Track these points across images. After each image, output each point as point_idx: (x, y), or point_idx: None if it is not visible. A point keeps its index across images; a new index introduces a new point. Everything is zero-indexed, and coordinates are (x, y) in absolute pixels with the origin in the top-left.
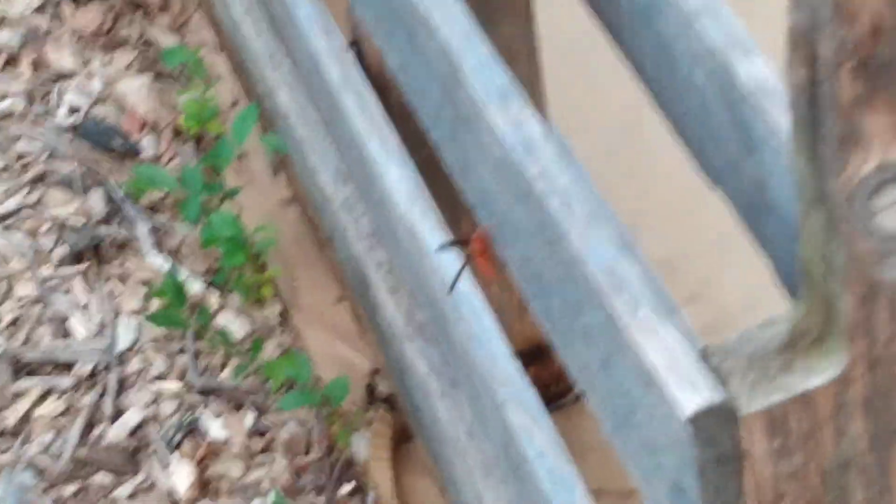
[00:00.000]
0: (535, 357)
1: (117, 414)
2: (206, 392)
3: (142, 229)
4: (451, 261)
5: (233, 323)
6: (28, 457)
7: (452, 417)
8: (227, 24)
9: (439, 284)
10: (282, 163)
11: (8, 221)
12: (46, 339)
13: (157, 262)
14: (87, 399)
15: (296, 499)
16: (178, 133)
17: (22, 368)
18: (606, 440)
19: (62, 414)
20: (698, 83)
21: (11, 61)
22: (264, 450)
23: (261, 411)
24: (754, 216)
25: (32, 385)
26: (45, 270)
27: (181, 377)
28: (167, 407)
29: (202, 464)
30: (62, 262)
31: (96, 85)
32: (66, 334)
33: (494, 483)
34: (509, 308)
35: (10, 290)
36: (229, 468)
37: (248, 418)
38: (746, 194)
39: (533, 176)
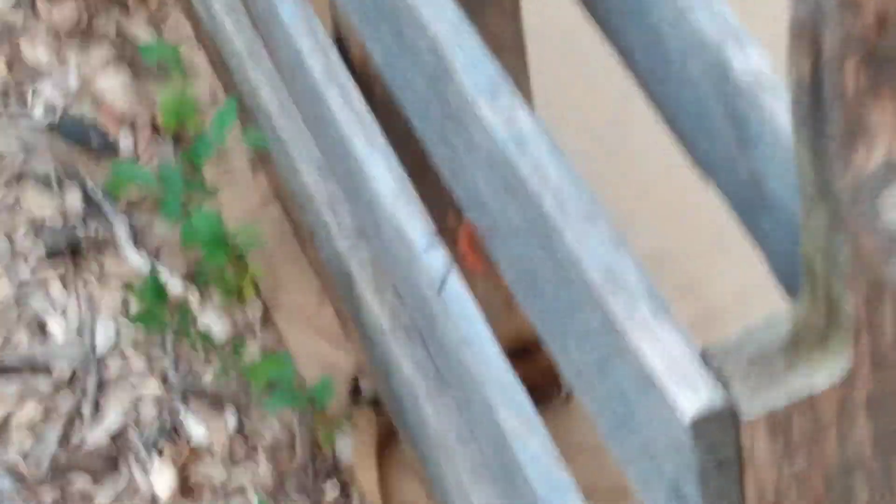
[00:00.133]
0: (522, 355)
1: (97, 417)
2: (187, 394)
3: (120, 228)
4: (439, 259)
5: (214, 323)
6: (6, 462)
7: (440, 419)
8: (206, 20)
9: (427, 283)
10: (262, 160)
11: None
12: (24, 341)
13: (137, 262)
14: (67, 402)
15: (280, 502)
16: (156, 130)
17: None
18: (596, 440)
19: (41, 418)
20: (692, 76)
21: None
22: (247, 452)
23: (243, 413)
24: (749, 212)
25: (10, 388)
26: (23, 271)
27: (162, 379)
28: (148, 410)
29: (184, 467)
30: (40, 263)
31: (73, 82)
32: (44, 336)
33: (483, 486)
34: (496, 305)
35: None
36: (212, 471)
37: (231, 420)
38: (741, 189)
39: (525, 172)
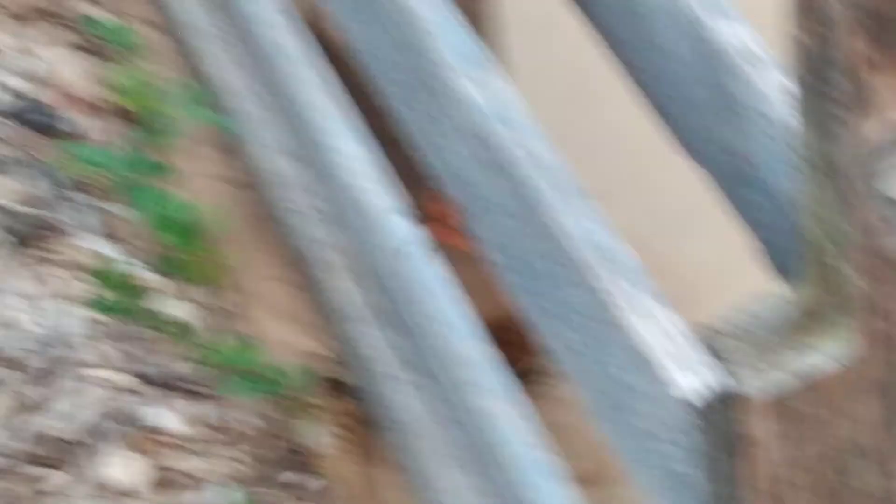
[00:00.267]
0: (497, 335)
1: (62, 406)
2: (155, 382)
3: (84, 213)
4: (408, 232)
5: (182, 309)
6: None
7: (413, 402)
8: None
9: (401, 264)
10: (229, 142)
11: None
12: None
13: (101, 248)
14: (30, 390)
15: (256, 493)
16: (118, 112)
17: None
18: (573, 420)
19: (5, 408)
20: (674, 48)
21: None
22: (219, 441)
23: (214, 401)
24: (735, 187)
25: None
26: None
27: (128, 367)
28: (115, 398)
29: (153, 457)
30: (1, 249)
31: (31, 64)
32: (6, 324)
33: (467, 471)
34: (471, 284)
35: None
36: (182, 461)
37: (202, 409)
38: (726, 165)
39: (510, 147)
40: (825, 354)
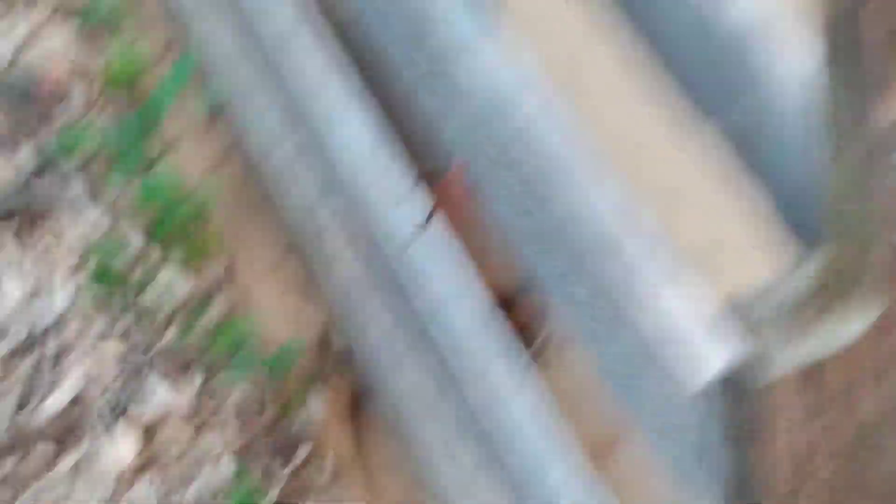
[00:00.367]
0: (502, 305)
1: (57, 381)
2: (150, 355)
3: (75, 185)
4: (418, 207)
5: (176, 280)
6: None
7: (421, 375)
8: None
9: (407, 233)
10: (219, 111)
11: None
12: None
13: (93, 219)
14: (24, 365)
15: (249, 464)
16: (107, 83)
17: None
18: (578, 391)
19: None
20: (680, 15)
21: None
22: (214, 413)
23: (209, 373)
24: (749, 160)
25: None
26: None
27: (123, 339)
28: (109, 371)
29: (148, 431)
30: None
31: (18, 35)
32: None
33: (470, 443)
34: (478, 255)
35: None
36: (178, 434)
37: (196, 380)
38: (740, 133)
39: (526, 124)
40: (852, 323)
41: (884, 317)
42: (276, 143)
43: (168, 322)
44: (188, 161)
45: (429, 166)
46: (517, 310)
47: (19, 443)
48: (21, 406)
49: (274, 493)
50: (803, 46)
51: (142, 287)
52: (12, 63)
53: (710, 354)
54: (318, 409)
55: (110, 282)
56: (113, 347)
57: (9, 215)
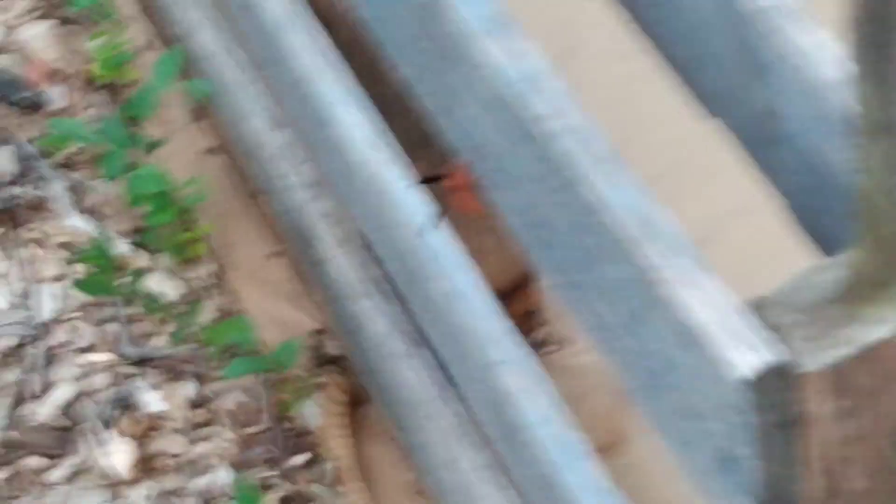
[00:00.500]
0: (509, 303)
1: (47, 390)
2: (140, 362)
3: (58, 188)
4: (421, 204)
5: (164, 285)
6: None
7: (420, 379)
8: None
9: (408, 231)
10: (203, 108)
11: None
12: None
13: (78, 224)
14: (13, 375)
15: (245, 473)
16: (88, 81)
17: None
18: (586, 390)
19: None
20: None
21: None
22: (208, 422)
23: (201, 380)
24: (762, 148)
25: None
26: None
27: (113, 347)
28: (100, 380)
29: (142, 440)
30: None
31: (3, 37)
32: None
33: (471, 448)
34: (485, 251)
35: None
36: (172, 443)
37: (189, 388)
38: (753, 122)
39: (542, 114)
40: (883, 322)
41: None
42: (264, 138)
43: (157, 328)
44: (172, 159)
45: (432, 161)
46: (516, 303)
47: (10, 454)
48: (11, 416)
49: (273, 502)
50: (816, 28)
51: (129, 293)
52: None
53: (736, 358)
54: (315, 415)
55: (97, 289)
56: (102, 356)
57: None
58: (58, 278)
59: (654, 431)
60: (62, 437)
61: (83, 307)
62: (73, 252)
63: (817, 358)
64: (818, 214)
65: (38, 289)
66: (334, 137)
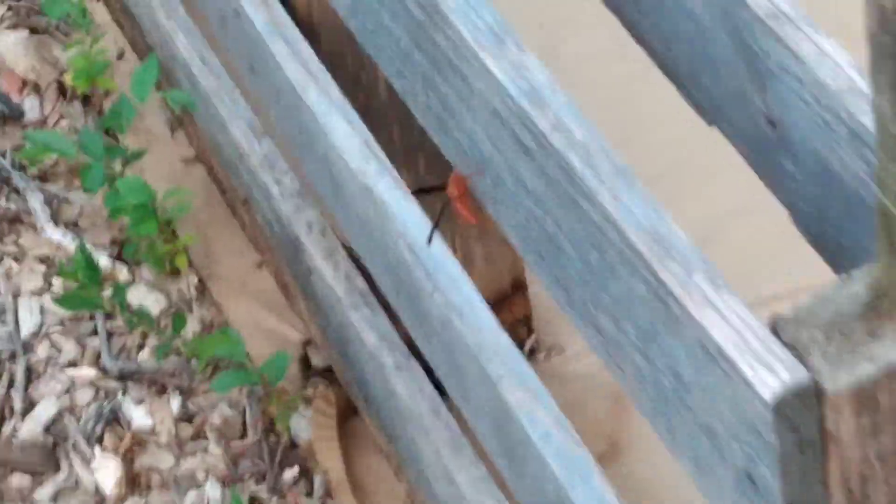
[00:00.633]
0: (504, 312)
1: (29, 407)
2: (124, 377)
3: (35, 201)
4: (416, 219)
5: (146, 298)
6: None
7: (412, 392)
8: None
9: (404, 247)
10: (182, 118)
11: None
12: None
13: (56, 237)
14: None
15: (234, 488)
16: (62, 92)
17: None
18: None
19: None
20: (693, 6)
21: None
22: (195, 437)
23: (186, 394)
24: (765, 155)
25: None
26: None
27: (95, 362)
28: (83, 396)
29: (128, 456)
30: None
31: None
32: None
33: (466, 462)
34: (480, 260)
35: None
36: (158, 459)
37: (174, 403)
38: (755, 130)
39: (545, 129)
40: None
41: None
42: (245, 149)
43: (141, 342)
44: (149, 170)
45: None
46: (505, 312)
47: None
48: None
49: None
50: (818, 37)
51: (112, 306)
52: None
53: (756, 379)
54: (304, 428)
55: (77, 303)
56: (85, 370)
57: None
58: (36, 293)
59: (668, 449)
60: (46, 454)
61: (63, 322)
62: (52, 266)
63: (838, 377)
64: (823, 223)
65: (17, 303)
66: (321, 147)
